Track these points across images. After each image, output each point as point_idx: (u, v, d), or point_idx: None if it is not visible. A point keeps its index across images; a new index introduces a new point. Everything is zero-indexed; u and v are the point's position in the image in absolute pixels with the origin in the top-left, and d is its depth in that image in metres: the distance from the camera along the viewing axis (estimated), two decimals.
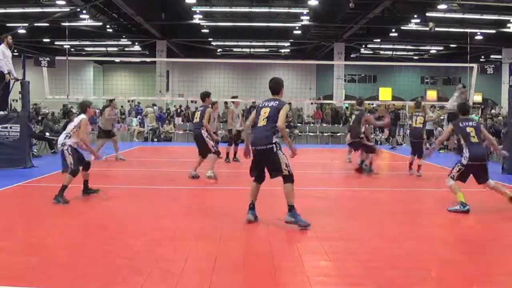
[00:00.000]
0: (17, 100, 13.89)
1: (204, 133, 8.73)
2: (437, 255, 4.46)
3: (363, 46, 32.55)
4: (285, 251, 4.54)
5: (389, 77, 37.45)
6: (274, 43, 32.80)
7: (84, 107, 6.95)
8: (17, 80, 10.41)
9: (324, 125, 22.69)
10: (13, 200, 6.97)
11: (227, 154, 12.03)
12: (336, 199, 7.45)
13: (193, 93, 27.06)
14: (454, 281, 3.85)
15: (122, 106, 26.73)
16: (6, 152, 9.87)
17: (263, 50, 35.28)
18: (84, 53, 34.30)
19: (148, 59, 34.30)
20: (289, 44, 32.32)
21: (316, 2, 20.74)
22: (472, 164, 6.39)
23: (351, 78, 37.85)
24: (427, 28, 21.07)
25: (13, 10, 22.30)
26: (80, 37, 28.11)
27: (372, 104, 29.63)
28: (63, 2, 20.35)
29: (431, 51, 33.99)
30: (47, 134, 13.48)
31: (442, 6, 20.85)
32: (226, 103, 22.25)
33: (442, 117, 16.17)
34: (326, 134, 20.15)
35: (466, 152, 6.50)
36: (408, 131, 16.71)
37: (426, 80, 39.75)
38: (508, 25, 23.80)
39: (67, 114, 18.74)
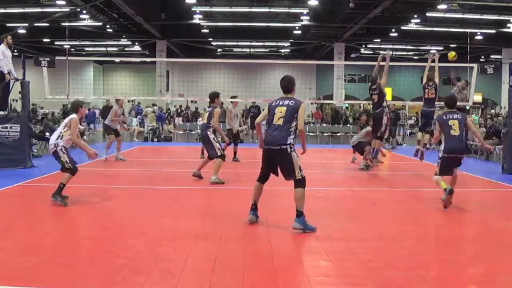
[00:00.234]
0: (17, 100, 13.88)
1: (210, 134, 8.39)
2: (437, 255, 4.46)
3: (363, 46, 32.56)
4: (285, 251, 4.54)
5: (389, 77, 37.37)
6: (274, 43, 32.82)
7: (75, 106, 6.72)
8: (17, 80, 10.41)
9: (324, 125, 22.70)
10: (13, 200, 6.97)
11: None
12: (336, 199, 7.45)
13: (193, 93, 27.14)
14: (454, 281, 3.85)
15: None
16: (6, 152, 9.86)
17: (263, 50, 35.30)
18: (84, 53, 34.32)
19: (148, 59, 34.32)
20: (289, 44, 32.33)
21: (316, 2, 20.75)
22: (448, 156, 6.45)
23: (351, 78, 37.86)
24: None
25: (13, 10, 22.32)
26: (80, 37, 28.14)
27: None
28: (63, 2, 20.37)
29: (431, 51, 33.98)
30: (47, 134, 13.46)
31: (442, 6, 20.88)
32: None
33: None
34: (326, 134, 20.14)
35: (442, 145, 6.61)
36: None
37: None
38: (508, 25, 23.82)
39: (67, 114, 18.73)
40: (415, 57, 35.37)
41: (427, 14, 22.67)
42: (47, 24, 24.47)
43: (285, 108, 5.22)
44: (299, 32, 27.69)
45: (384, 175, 10.70)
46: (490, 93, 33.32)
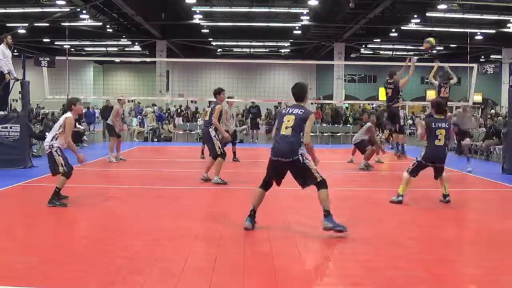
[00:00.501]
0: (17, 100, 13.88)
1: (212, 132, 8.26)
2: (437, 255, 4.46)
3: (363, 46, 32.57)
4: (285, 251, 4.54)
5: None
6: (274, 43, 32.82)
7: (69, 104, 6.49)
8: (17, 80, 10.41)
9: (324, 125, 22.69)
10: (13, 200, 6.97)
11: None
12: (336, 199, 7.42)
13: (193, 93, 27.13)
14: (454, 281, 3.85)
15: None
16: (6, 152, 9.86)
17: (263, 50, 35.30)
18: (84, 53, 34.33)
19: (148, 59, 34.34)
20: (289, 44, 32.34)
21: (316, 2, 20.74)
22: (426, 163, 6.66)
23: (351, 78, 37.88)
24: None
25: (13, 10, 22.32)
26: (80, 37, 28.14)
27: (372, 104, 29.67)
28: (63, 2, 20.36)
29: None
30: (47, 134, 13.46)
31: (442, 6, 20.88)
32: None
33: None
34: (326, 134, 20.13)
35: (423, 150, 6.71)
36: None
37: (426, 80, 39.73)
38: (508, 25, 23.82)
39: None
40: (415, 57, 35.34)
41: (427, 14, 22.67)
42: (47, 24, 24.46)
43: (293, 117, 5.05)
44: (299, 32, 27.69)
45: (384, 175, 10.70)
46: (490, 93, 33.32)
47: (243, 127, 19.75)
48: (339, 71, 28.85)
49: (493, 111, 25.33)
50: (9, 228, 5.38)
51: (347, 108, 31.27)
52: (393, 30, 26.09)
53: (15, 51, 16.57)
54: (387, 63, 36.31)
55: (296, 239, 4.90)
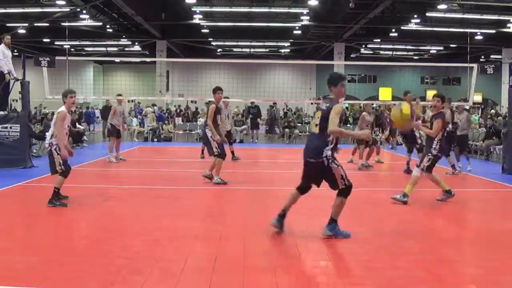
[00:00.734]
0: (17, 100, 13.89)
1: (208, 132, 8.22)
2: (437, 255, 4.46)
3: (363, 46, 32.59)
4: (285, 251, 4.54)
5: (389, 77, 37.48)
6: (274, 43, 32.83)
7: (62, 97, 6.36)
8: (17, 80, 10.41)
9: None
10: (13, 200, 6.97)
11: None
12: None
13: (193, 93, 27.13)
14: (454, 281, 3.85)
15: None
16: (6, 152, 9.86)
17: (263, 50, 35.31)
18: (84, 53, 34.35)
19: (148, 59, 34.35)
20: (289, 44, 32.35)
21: (316, 2, 20.74)
22: (441, 156, 6.85)
23: (351, 78, 37.90)
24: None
25: (13, 10, 22.32)
26: (80, 37, 28.15)
27: (372, 104, 29.63)
28: (63, 2, 20.36)
29: (431, 51, 34.02)
30: (47, 134, 13.46)
31: (442, 6, 20.88)
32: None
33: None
34: None
35: (435, 144, 6.70)
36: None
37: (426, 80, 39.78)
38: (508, 25, 23.82)
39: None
40: (415, 57, 35.38)
41: (427, 14, 22.68)
42: (47, 24, 24.47)
43: (320, 113, 4.70)
44: (299, 32, 27.69)
45: (384, 175, 10.70)
46: (490, 93, 33.33)
47: (243, 127, 19.75)
48: (339, 71, 28.83)
49: (493, 111, 25.32)
50: (9, 228, 5.38)
51: (347, 108, 31.27)
52: (393, 30, 26.10)
53: (15, 51, 16.59)
54: (387, 63, 36.53)
55: (296, 239, 4.90)
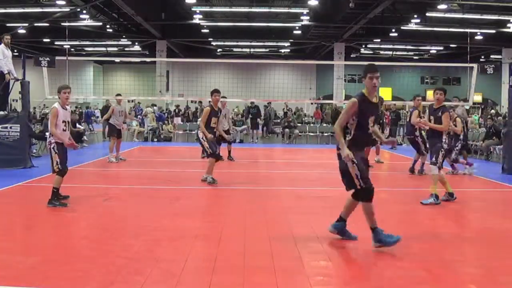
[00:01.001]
0: (17, 100, 13.89)
1: (200, 134, 8.40)
2: (437, 255, 4.45)
3: (363, 46, 32.59)
4: (285, 251, 4.54)
5: (389, 77, 37.48)
6: (274, 43, 32.83)
7: (57, 93, 6.32)
8: (17, 80, 10.42)
9: (324, 125, 22.68)
10: (13, 200, 6.97)
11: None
12: (336, 199, 7.42)
13: (193, 93, 27.12)
14: (454, 281, 3.85)
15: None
16: (6, 152, 9.87)
17: (263, 50, 35.31)
18: (84, 53, 34.35)
19: (148, 59, 34.34)
20: (289, 44, 32.35)
21: (316, 2, 20.75)
22: (450, 150, 7.06)
23: (351, 78, 37.88)
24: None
25: (13, 10, 22.34)
26: (80, 37, 28.16)
27: None
28: (63, 2, 20.37)
29: (431, 51, 34.02)
30: (47, 134, 13.47)
31: (442, 6, 20.88)
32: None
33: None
34: (326, 134, 20.12)
35: (445, 138, 6.72)
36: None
37: (426, 80, 39.79)
38: (508, 25, 23.83)
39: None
40: (415, 57, 35.39)
41: (427, 14, 22.68)
42: (47, 24, 24.48)
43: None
44: (299, 32, 27.70)
45: (384, 175, 10.70)
46: (490, 93, 33.34)
47: (243, 127, 19.75)
48: (339, 71, 28.85)
49: (493, 111, 25.32)
50: (9, 228, 5.38)
51: None
52: (393, 30, 26.11)
53: (15, 51, 16.59)
54: (387, 63, 36.49)
55: (296, 239, 4.90)
